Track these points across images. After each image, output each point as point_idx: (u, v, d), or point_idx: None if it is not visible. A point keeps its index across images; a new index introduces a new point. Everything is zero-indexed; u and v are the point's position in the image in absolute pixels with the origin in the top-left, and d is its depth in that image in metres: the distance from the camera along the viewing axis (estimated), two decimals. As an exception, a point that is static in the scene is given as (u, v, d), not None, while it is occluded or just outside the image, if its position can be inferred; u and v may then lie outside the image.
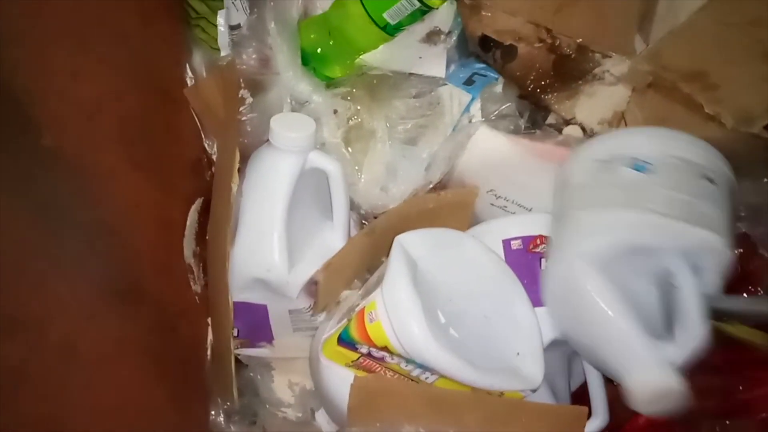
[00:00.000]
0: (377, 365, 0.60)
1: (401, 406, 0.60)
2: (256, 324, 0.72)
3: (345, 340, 0.59)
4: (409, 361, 0.58)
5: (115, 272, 0.56)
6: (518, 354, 0.59)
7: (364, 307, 0.58)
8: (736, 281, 0.62)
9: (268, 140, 0.67)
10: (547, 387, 0.64)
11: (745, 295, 0.65)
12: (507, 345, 0.59)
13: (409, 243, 0.60)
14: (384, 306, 0.56)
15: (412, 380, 0.60)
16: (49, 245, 0.48)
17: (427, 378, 0.59)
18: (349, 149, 0.74)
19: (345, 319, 0.60)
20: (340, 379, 0.61)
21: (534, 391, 0.59)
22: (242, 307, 0.69)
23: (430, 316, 0.56)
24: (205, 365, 0.70)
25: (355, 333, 0.58)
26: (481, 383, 0.57)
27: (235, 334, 0.72)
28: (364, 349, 0.59)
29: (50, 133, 0.49)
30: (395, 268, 0.57)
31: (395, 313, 0.56)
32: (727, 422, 0.61)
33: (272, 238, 0.65)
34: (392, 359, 0.59)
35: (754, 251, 0.65)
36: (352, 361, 0.60)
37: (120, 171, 0.59)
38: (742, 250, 0.64)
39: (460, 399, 0.60)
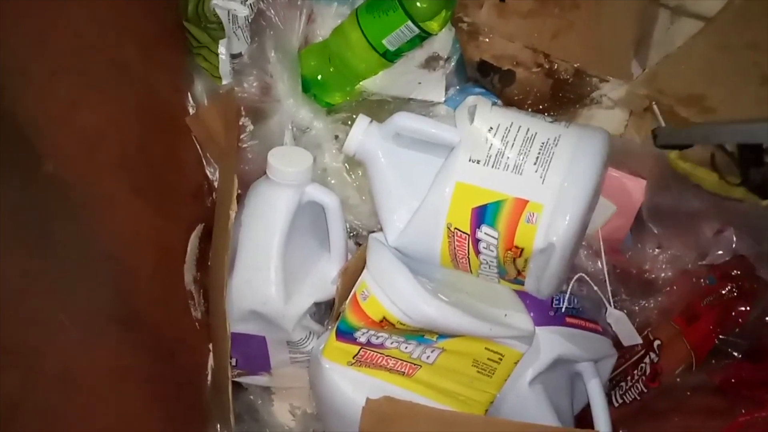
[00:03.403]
0: (378, 356, 0.61)
1: (413, 430, 0.60)
2: (254, 355, 0.72)
3: (343, 331, 0.61)
4: (408, 337, 0.60)
5: (113, 299, 0.56)
6: (506, 315, 0.62)
7: (355, 291, 0.61)
8: (733, 301, 0.63)
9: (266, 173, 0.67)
10: (551, 408, 0.64)
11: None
12: (493, 310, 0.62)
13: (382, 237, 0.64)
14: (373, 279, 0.60)
15: (414, 364, 0.62)
16: (48, 272, 0.48)
17: (428, 357, 0.62)
18: (351, 174, 0.75)
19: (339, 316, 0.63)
20: (344, 383, 0.62)
21: (530, 341, 0.62)
22: (240, 338, 0.69)
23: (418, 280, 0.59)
24: (205, 390, 0.70)
25: (352, 317, 0.60)
26: (482, 331, 0.59)
27: (234, 363, 0.72)
28: (362, 338, 0.61)
29: (51, 161, 0.49)
30: (375, 247, 0.62)
31: (386, 279, 0.59)
32: (730, 445, 0.60)
33: (268, 271, 0.65)
34: (391, 342, 0.60)
35: (751, 273, 0.65)
36: (353, 357, 0.62)
37: (120, 198, 0.59)
38: (739, 272, 0.64)
39: (472, 422, 0.60)
